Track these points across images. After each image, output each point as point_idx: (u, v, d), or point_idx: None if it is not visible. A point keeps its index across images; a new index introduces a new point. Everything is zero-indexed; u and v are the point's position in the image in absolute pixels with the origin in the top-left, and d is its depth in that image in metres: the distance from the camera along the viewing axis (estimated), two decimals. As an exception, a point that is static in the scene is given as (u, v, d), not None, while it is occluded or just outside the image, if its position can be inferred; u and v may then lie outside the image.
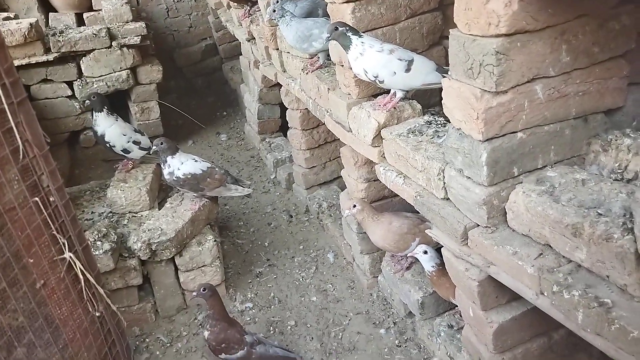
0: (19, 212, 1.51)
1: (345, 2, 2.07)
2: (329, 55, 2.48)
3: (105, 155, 4.21)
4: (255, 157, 4.50)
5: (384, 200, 2.58)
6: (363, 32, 2.06)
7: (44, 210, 1.60)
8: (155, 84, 4.55)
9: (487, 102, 1.33)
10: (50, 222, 1.62)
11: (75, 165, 4.43)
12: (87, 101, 3.00)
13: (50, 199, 1.63)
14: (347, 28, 1.95)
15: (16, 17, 4.46)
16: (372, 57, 1.94)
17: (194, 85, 5.92)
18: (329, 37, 2.02)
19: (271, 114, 4.39)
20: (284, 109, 3.80)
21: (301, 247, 3.24)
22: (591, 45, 1.35)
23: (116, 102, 4.38)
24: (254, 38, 3.85)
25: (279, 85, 3.60)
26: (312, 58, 2.79)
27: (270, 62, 3.51)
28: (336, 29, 1.98)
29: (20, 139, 1.46)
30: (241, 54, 4.70)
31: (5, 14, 4.39)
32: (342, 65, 2.26)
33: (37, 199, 1.57)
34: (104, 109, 2.95)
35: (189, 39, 5.96)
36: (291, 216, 3.58)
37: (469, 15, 1.31)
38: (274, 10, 2.61)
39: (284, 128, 4.16)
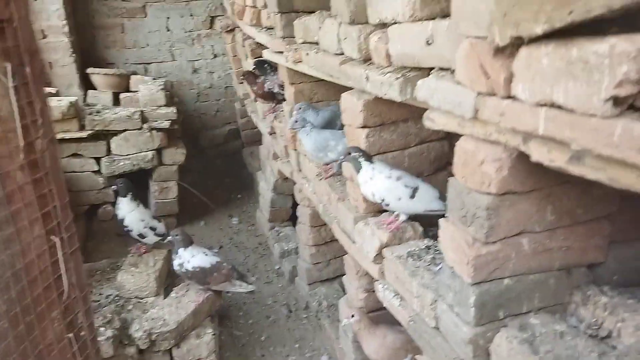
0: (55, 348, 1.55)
1: (361, 127, 2.28)
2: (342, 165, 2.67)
3: (119, 230, 4.37)
4: (263, 244, 4.62)
5: (383, 311, 2.65)
6: (375, 155, 2.25)
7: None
8: (177, 165, 4.80)
9: (478, 250, 1.45)
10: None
11: (90, 236, 4.58)
12: (114, 186, 3.20)
13: (82, 333, 1.65)
14: (360, 154, 2.14)
15: (57, 93, 4.82)
16: (380, 182, 2.11)
17: (214, 166, 6.18)
18: (343, 159, 2.21)
19: (283, 203, 4.57)
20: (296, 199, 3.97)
21: (297, 345, 3.27)
22: (575, 207, 1.49)
23: (137, 179, 4.61)
24: (275, 133, 4.10)
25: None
26: (327, 165, 2.98)
27: (287, 159, 3.73)
28: (349, 153, 2.16)
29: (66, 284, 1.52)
30: (261, 143, 4.97)
31: (47, 89, 4.74)
32: (353, 181, 2.42)
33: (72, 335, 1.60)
34: (129, 195, 3.13)
35: (215, 122, 6.30)
36: (290, 311, 3.64)
37: (466, 171, 1.47)
38: (296, 121, 2.84)
39: (294, 218, 4.31)
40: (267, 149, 4.69)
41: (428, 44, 1.60)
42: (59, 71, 5.10)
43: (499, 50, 1.19)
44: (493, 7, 1.13)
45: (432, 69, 1.65)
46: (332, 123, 3.10)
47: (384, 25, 1.92)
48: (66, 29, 4.95)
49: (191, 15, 5.79)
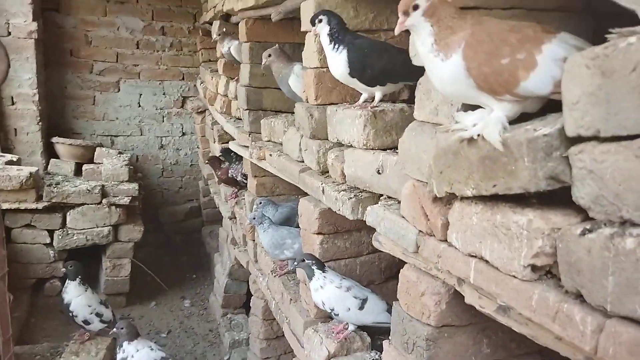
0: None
1: (316, 234, 2.34)
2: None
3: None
4: (213, 331, 4.50)
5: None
6: (328, 260, 2.30)
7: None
8: (133, 242, 4.72)
9: (418, 382, 1.49)
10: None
11: (34, 312, 4.38)
12: (63, 269, 3.12)
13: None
14: (313, 262, 2.19)
15: (19, 161, 4.76)
16: (331, 292, 2.14)
17: (172, 242, 6.10)
18: (296, 265, 2.25)
19: (238, 289, 4.51)
20: (250, 291, 3.93)
21: None
22: (509, 341, 1.56)
23: (89, 254, 4.51)
24: (235, 218, 4.13)
25: (249, 269, 3.79)
26: (283, 262, 3.01)
27: (245, 248, 3.74)
28: (303, 260, 2.21)
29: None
30: (222, 224, 4.97)
31: (9, 156, 4.69)
32: (305, 284, 2.45)
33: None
34: (77, 278, 3.06)
35: (177, 198, 6.30)
36: (236, 409, 3.51)
37: (408, 299, 1.54)
38: (254, 218, 2.89)
39: (248, 305, 4.25)
40: (226, 231, 4.70)
41: (378, 173, 1.71)
42: (23, 138, 5.08)
43: (437, 199, 1.30)
44: (432, 162, 1.25)
45: (382, 194, 1.76)
46: (291, 219, 3.16)
47: (341, 145, 2.05)
48: (36, 97, 4.99)
49: (164, 94, 5.94)
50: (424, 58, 1.10)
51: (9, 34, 4.81)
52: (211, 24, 5.12)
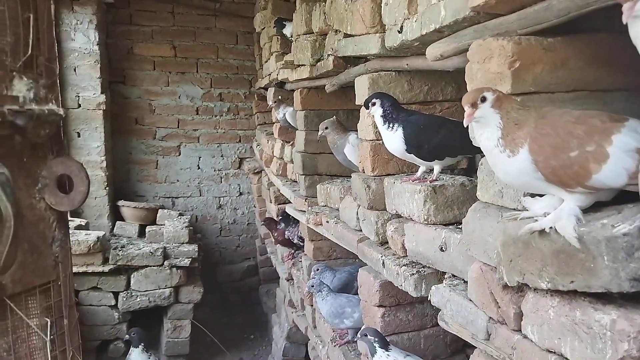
0: None
1: (377, 306, 2.30)
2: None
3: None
4: (272, 395, 4.43)
5: None
6: (390, 334, 2.24)
7: None
8: (193, 303, 4.79)
9: None
10: None
11: (98, 375, 4.48)
12: (127, 335, 3.20)
13: None
14: (376, 339, 2.13)
15: (87, 225, 5.00)
16: (393, 369, 2.08)
17: (229, 301, 6.14)
18: (357, 338, 2.21)
19: (296, 353, 4.44)
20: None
21: None
22: None
23: (150, 315, 4.61)
24: (293, 280, 4.12)
25: (307, 333, 3.74)
26: (342, 330, 2.96)
27: (303, 313, 3.71)
28: (365, 334, 2.16)
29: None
30: (279, 283, 4.98)
31: (78, 221, 4.94)
32: (367, 358, 2.39)
33: None
34: (140, 345, 3.13)
35: (234, 257, 6.38)
36: None
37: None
38: (312, 285, 2.88)
39: (307, 369, 4.17)
40: (283, 292, 4.69)
41: (442, 250, 1.68)
42: (91, 202, 5.35)
43: (508, 286, 1.25)
44: (500, 249, 1.21)
45: (445, 272, 1.71)
46: (349, 285, 3.12)
47: (399, 216, 2.03)
48: (104, 164, 5.29)
49: (222, 156, 6.16)
50: (488, 152, 1.09)
51: (79, 106, 5.18)
52: (266, 89, 5.34)
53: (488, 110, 1.06)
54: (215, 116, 6.10)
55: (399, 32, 1.78)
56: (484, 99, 1.07)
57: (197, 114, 6.03)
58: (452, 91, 2.15)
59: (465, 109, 1.09)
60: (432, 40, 1.64)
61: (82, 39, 5.08)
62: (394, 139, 1.79)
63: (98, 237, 4.49)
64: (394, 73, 2.11)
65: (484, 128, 1.07)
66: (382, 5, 1.96)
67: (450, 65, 1.68)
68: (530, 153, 1.01)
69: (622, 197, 1.04)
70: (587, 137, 0.98)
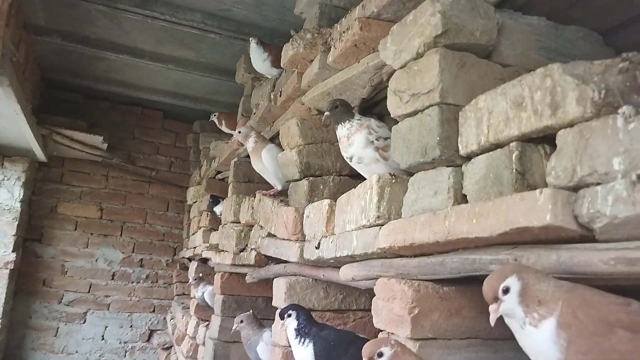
0: None
1: None
2: None
3: None
4: None
5: None
6: None
7: None
8: None
9: None
10: None
11: None
12: None
13: None
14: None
15: None
16: None
17: None
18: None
19: None
20: None
21: None
22: None
23: None
24: None
25: None
26: None
27: None
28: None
29: None
30: None
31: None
32: None
33: None
34: None
35: None
36: None
37: None
38: None
39: None
40: None
41: None
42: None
43: None
44: None
45: None
46: None
47: None
48: (-4, 330, 4.78)
49: (131, 327, 5.75)
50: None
51: (-14, 262, 4.84)
52: (190, 260, 5.27)
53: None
54: (132, 282, 5.83)
55: (317, 247, 1.88)
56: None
57: (113, 279, 5.75)
58: (365, 301, 2.22)
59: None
60: (347, 261, 1.74)
61: (5, 194, 4.96)
62: (304, 355, 1.77)
63: None
64: (311, 280, 2.17)
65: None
66: (304, 216, 2.10)
67: (362, 285, 1.76)
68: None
69: None
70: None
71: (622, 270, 0.80)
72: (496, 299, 0.90)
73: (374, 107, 2.28)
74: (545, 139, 1.07)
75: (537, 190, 0.93)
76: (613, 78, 0.92)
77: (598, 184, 0.87)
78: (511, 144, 1.09)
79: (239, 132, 2.74)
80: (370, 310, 2.23)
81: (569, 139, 0.95)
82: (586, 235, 0.90)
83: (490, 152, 1.15)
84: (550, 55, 1.49)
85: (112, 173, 5.94)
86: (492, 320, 0.90)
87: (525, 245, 1.01)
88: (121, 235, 5.86)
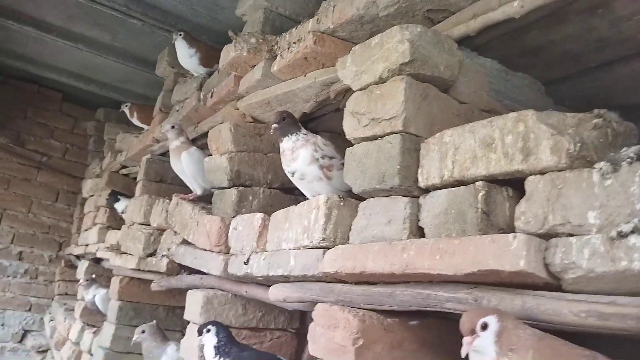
0: None
1: None
2: None
3: None
4: None
5: None
6: None
7: None
8: None
9: None
10: None
11: None
12: None
13: None
14: None
15: None
16: None
17: None
18: None
19: None
20: None
21: None
22: None
23: None
24: None
25: None
26: None
27: None
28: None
29: None
30: None
31: None
32: None
33: None
34: None
35: None
36: None
37: None
38: None
39: None
40: None
41: None
42: None
43: None
44: None
45: None
46: None
47: None
48: None
49: (2, 325, 5.14)
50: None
51: None
52: (79, 258, 4.84)
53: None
54: (8, 276, 5.23)
55: (245, 263, 1.78)
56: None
57: (-15, 273, 5.12)
58: (284, 320, 2.15)
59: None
60: (279, 281, 1.67)
61: None
62: (223, 377, 1.66)
63: None
64: (230, 295, 2.06)
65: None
66: (231, 228, 1.99)
67: (290, 306, 1.70)
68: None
69: None
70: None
71: (592, 324, 0.81)
72: (473, 332, 0.88)
73: (310, 121, 2.23)
74: (509, 182, 1.09)
75: (511, 235, 0.93)
76: (587, 132, 0.96)
77: (570, 234, 0.89)
78: (477, 183, 1.10)
79: (172, 127, 2.55)
80: (287, 330, 2.19)
81: (539, 187, 0.97)
82: (551, 284, 0.92)
83: (453, 189, 1.15)
84: (499, 98, 1.54)
85: (-4, 153, 5.32)
86: (464, 352, 0.89)
87: (486, 286, 1.02)
88: (0, 223, 5.24)
